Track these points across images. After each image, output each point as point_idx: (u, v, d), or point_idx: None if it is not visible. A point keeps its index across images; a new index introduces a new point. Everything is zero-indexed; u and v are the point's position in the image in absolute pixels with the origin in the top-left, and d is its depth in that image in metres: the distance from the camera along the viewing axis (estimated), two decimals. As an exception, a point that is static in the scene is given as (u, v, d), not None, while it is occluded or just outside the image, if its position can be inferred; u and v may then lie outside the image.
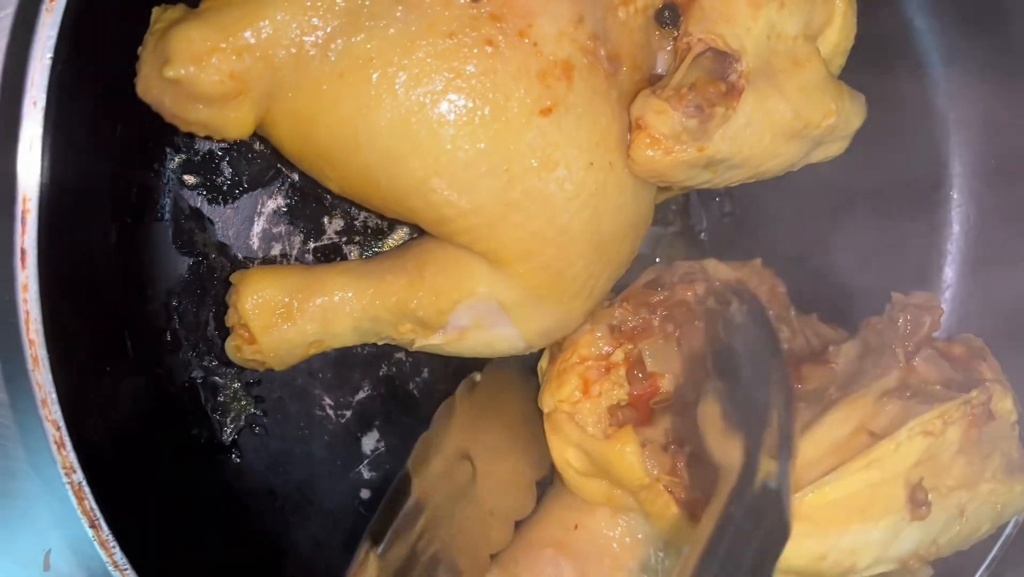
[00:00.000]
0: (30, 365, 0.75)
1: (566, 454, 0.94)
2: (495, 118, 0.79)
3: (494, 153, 0.80)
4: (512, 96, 0.79)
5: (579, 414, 0.91)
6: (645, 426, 0.91)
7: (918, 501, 0.88)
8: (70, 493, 0.76)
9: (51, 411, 0.75)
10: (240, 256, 0.96)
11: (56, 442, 0.75)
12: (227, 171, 0.95)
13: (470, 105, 0.79)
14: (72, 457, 0.76)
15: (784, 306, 1.04)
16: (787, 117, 0.87)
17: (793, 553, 0.87)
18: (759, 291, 1.03)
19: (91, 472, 0.77)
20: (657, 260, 1.11)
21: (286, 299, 0.89)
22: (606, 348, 0.94)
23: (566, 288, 0.88)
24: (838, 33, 0.92)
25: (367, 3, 0.77)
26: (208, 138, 0.82)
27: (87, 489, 0.76)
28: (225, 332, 0.92)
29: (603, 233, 0.87)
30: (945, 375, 0.96)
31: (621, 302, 0.95)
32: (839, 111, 0.90)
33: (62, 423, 0.75)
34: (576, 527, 0.97)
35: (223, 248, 0.96)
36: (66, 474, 0.76)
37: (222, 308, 0.94)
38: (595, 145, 0.83)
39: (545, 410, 0.94)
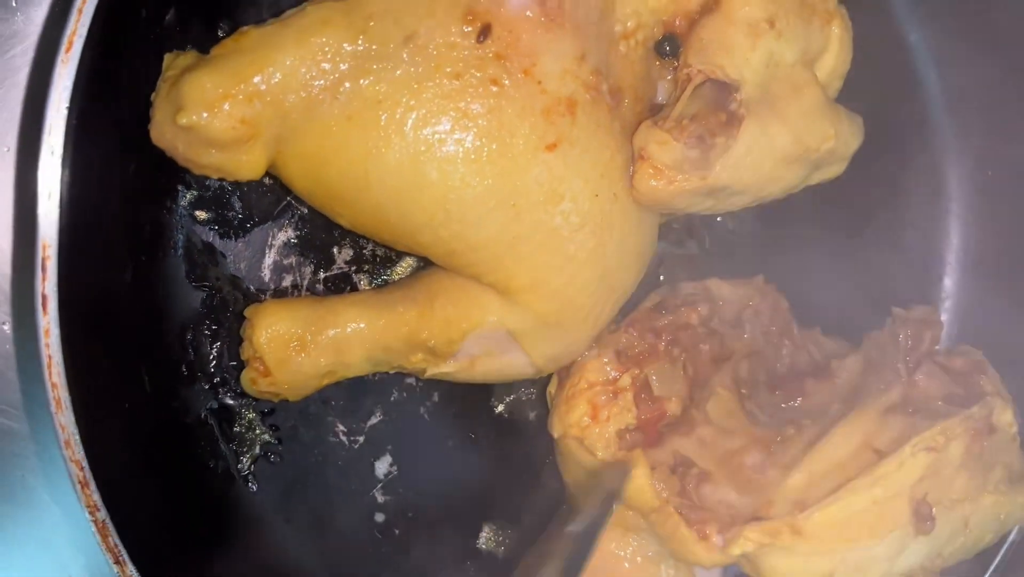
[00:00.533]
0: (53, 408, 0.76)
1: (577, 477, 0.96)
2: (502, 155, 0.81)
3: (501, 189, 0.82)
4: (518, 133, 0.81)
5: (588, 439, 0.93)
6: (654, 448, 0.93)
7: (923, 516, 0.89)
8: (94, 530, 0.78)
9: (74, 451, 0.77)
10: (252, 288, 0.98)
11: (80, 481, 0.77)
12: (238, 205, 0.97)
13: (477, 143, 0.81)
14: (96, 496, 0.78)
15: (787, 321, 1.06)
16: (787, 143, 0.89)
17: (802, 570, 0.89)
18: (762, 308, 1.05)
19: (113, 508, 0.79)
20: (661, 278, 1.12)
21: (300, 332, 0.90)
22: (613, 373, 0.95)
23: (574, 315, 0.90)
24: (835, 58, 0.94)
25: (374, 47, 0.79)
26: (221, 179, 0.84)
27: (111, 526, 0.78)
28: (239, 363, 0.94)
29: (609, 261, 0.89)
30: (946, 389, 0.98)
31: (627, 327, 0.97)
32: (838, 135, 0.92)
33: (85, 463, 0.77)
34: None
35: (235, 281, 0.98)
36: (90, 512, 0.78)
37: (236, 340, 0.96)
38: (599, 177, 0.85)
39: (555, 435, 0.95)
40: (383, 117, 0.80)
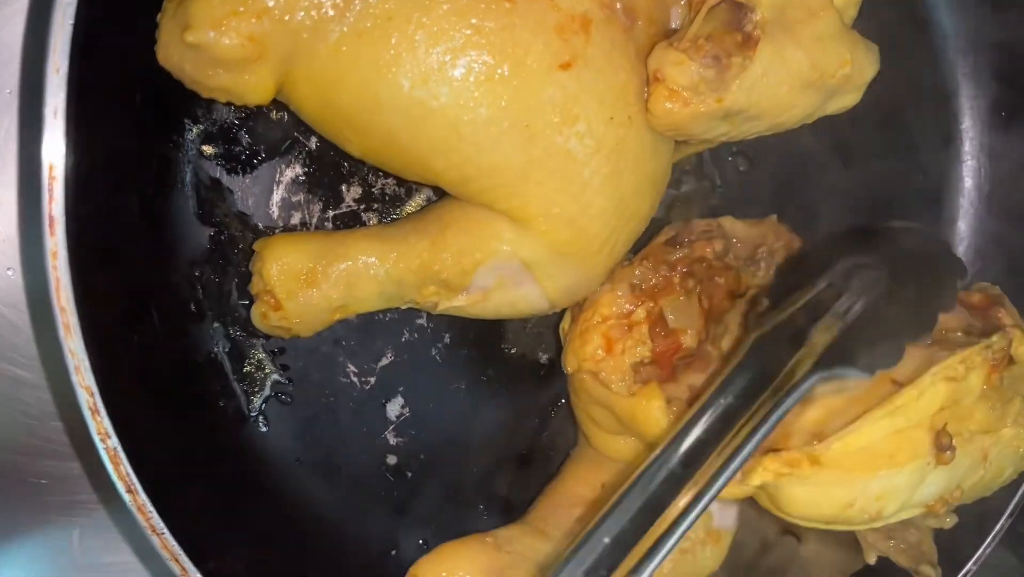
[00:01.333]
0: (62, 332, 0.75)
1: (591, 412, 0.94)
2: (515, 74, 0.80)
3: (515, 109, 0.80)
4: (531, 51, 0.80)
5: (603, 372, 0.92)
6: (669, 383, 0.92)
7: (943, 446, 0.88)
8: (105, 458, 0.77)
9: (84, 377, 0.75)
10: (260, 225, 0.97)
11: (90, 408, 0.76)
12: (245, 140, 0.96)
13: (490, 62, 0.79)
14: (107, 422, 0.76)
15: None
16: (803, 67, 0.87)
17: (821, 501, 0.88)
18: (776, 247, 1.04)
19: (124, 437, 0.77)
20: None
21: (310, 265, 0.89)
22: (627, 306, 0.94)
23: (588, 244, 0.88)
24: (851, -19, 0.92)
25: (385, -38, 0.78)
26: (229, 104, 0.82)
27: (122, 454, 0.77)
28: (248, 302, 0.93)
29: (624, 188, 0.87)
30: (965, 322, 0.97)
31: (641, 260, 0.96)
32: (854, 60, 0.91)
33: (95, 389, 0.76)
34: (602, 485, 0.98)
35: (243, 218, 0.96)
36: (101, 439, 0.76)
37: (244, 278, 0.95)
38: (614, 99, 0.84)
39: (568, 370, 0.94)
40: (394, 35, 0.78)
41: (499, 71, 0.79)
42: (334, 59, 0.79)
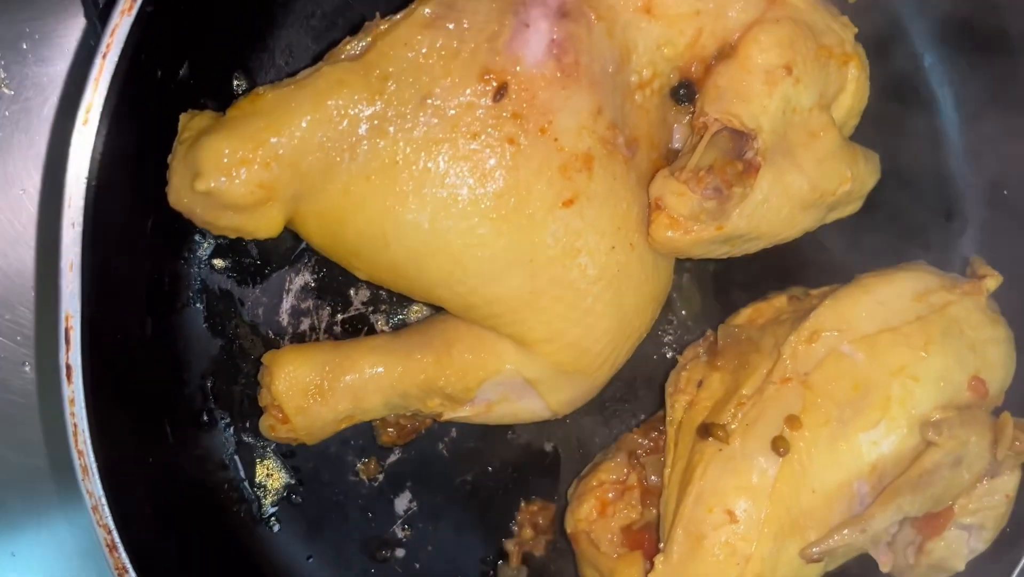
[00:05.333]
0: (79, 474, 0.77)
1: (586, 574, 0.97)
2: (519, 212, 0.81)
3: (519, 246, 0.82)
4: (534, 191, 0.81)
5: (595, 532, 0.94)
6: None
7: None
8: (123, 591, 0.79)
9: (102, 515, 0.78)
10: (271, 333, 0.99)
11: (108, 545, 0.78)
12: (254, 252, 0.97)
13: (494, 202, 0.81)
14: (124, 558, 0.79)
15: None
16: (804, 190, 0.89)
17: None
18: None
19: (142, 569, 0.80)
20: (676, 301, 1.11)
21: (317, 379, 0.91)
22: (624, 472, 0.97)
23: (591, 362, 0.90)
24: (852, 98, 0.93)
25: (392, 108, 0.79)
26: (239, 239, 0.84)
27: (140, 587, 0.79)
28: (259, 408, 0.95)
29: (626, 308, 0.89)
30: None
31: (643, 431, 0.98)
32: (854, 177, 0.92)
33: (112, 527, 0.78)
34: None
35: (254, 327, 0.98)
36: (118, 575, 0.79)
37: (254, 384, 0.97)
38: (616, 229, 0.85)
39: (568, 531, 0.97)
40: (401, 177, 0.80)
41: (504, 210, 0.81)
42: (342, 199, 0.81)
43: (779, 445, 0.84)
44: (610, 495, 0.95)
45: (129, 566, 0.79)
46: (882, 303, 0.90)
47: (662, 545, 0.87)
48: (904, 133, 1.10)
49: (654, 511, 0.92)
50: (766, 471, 0.85)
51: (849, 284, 0.93)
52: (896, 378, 0.87)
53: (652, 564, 0.87)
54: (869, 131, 0.98)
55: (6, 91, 1.03)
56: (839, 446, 0.85)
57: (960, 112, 1.14)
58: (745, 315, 0.96)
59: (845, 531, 0.84)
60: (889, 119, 1.06)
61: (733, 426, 0.86)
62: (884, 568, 0.87)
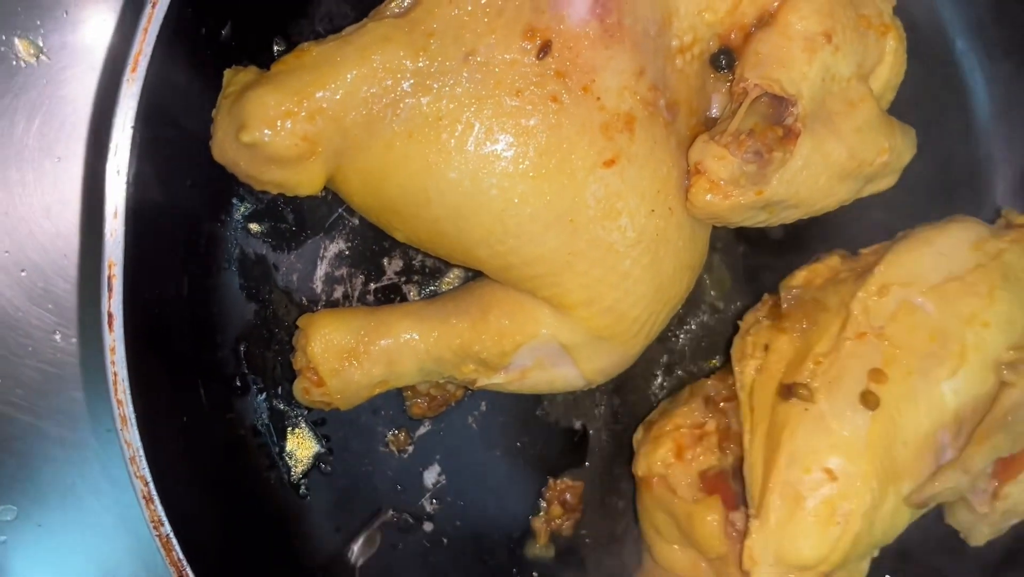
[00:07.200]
0: (119, 424, 0.77)
1: (655, 520, 0.96)
2: (560, 171, 0.81)
3: (559, 205, 0.82)
4: (576, 149, 0.81)
5: (671, 476, 0.93)
6: (732, 511, 0.93)
7: None
8: (158, 545, 0.79)
9: (139, 467, 0.78)
10: (304, 300, 0.99)
11: (144, 497, 0.78)
12: (291, 217, 0.98)
13: (536, 160, 0.81)
14: (160, 511, 0.78)
15: None
16: (842, 158, 0.89)
17: None
18: None
19: (176, 522, 0.79)
20: (706, 280, 1.11)
21: (353, 342, 0.91)
22: (700, 418, 0.96)
23: (627, 328, 0.90)
24: (889, 70, 0.93)
25: (435, 64, 0.79)
26: (281, 194, 0.84)
27: (175, 540, 0.79)
28: (291, 374, 0.95)
29: (663, 275, 0.89)
30: None
31: (717, 378, 0.98)
32: (892, 148, 0.92)
33: (150, 478, 0.78)
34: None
35: (288, 293, 0.98)
36: (154, 527, 0.79)
37: (287, 351, 0.97)
38: (656, 192, 0.85)
39: (639, 474, 0.96)
40: (444, 134, 0.80)
41: (545, 168, 0.81)
42: (385, 156, 0.81)
43: (868, 399, 0.84)
44: (688, 439, 0.93)
45: (165, 519, 0.79)
46: (943, 254, 0.90)
47: (752, 511, 0.86)
48: (936, 119, 1.10)
49: (731, 458, 0.91)
50: (859, 426, 0.84)
51: (906, 238, 0.93)
52: (969, 326, 0.87)
53: (733, 520, 0.87)
54: (901, 115, 0.98)
55: (43, 59, 1.03)
56: (924, 396, 0.86)
57: (992, 97, 1.14)
58: (801, 277, 0.95)
59: (949, 472, 0.84)
60: (921, 103, 1.06)
61: (815, 385, 0.85)
62: (981, 509, 0.87)
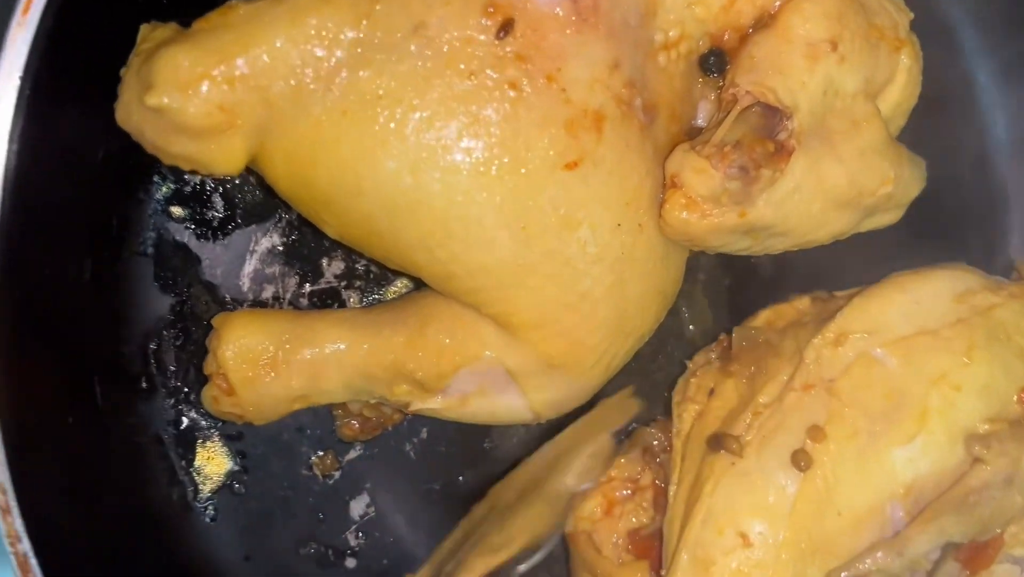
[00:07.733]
0: (-26, 418, 0.67)
1: None
2: (514, 170, 0.71)
3: (510, 209, 0.72)
4: (535, 146, 0.71)
5: (597, 534, 0.84)
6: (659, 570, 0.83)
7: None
8: (14, 564, 0.68)
9: (-3, 472, 0.67)
10: (228, 297, 0.89)
11: (1, 508, 0.67)
12: (219, 204, 0.88)
13: (487, 154, 0.71)
14: (19, 524, 0.68)
15: None
16: (841, 183, 0.79)
17: None
18: None
19: (40, 540, 0.69)
20: (685, 314, 1.01)
21: (272, 348, 0.81)
22: (638, 470, 0.86)
23: (584, 357, 0.79)
24: (901, 91, 0.84)
25: (378, 35, 0.69)
26: (194, 172, 0.74)
27: (34, 561, 0.68)
28: (207, 379, 0.85)
29: (628, 299, 0.79)
30: None
31: (659, 426, 0.88)
32: (897, 179, 0.82)
33: (9, 486, 0.67)
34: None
35: (210, 288, 0.89)
36: (10, 543, 0.68)
37: (204, 352, 0.86)
38: (624, 204, 0.75)
39: (566, 529, 0.86)
40: (382, 116, 0.70)
41: (497, 165, 0.71)
42: (314, 135, 0.71)
43: (800, 459, 0.75)
44: (619, 493, 0.84)
45: (23, 533, 0.68)
46: (918, 303, 0.80)
47: (664, 571, 0.77)
48: (948, 132, 1.02)
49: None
50: (785, 489, 0.75)
51: (880, 282, 0.83)
52: (935, 387, 0.77)
53: None
54: (909, 125, 0.88)
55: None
56: (869, 462, 0.75)
57: (1006, 111, 1.05)
58: (763, 317, 0.86)
59: (879, 553, 0.74)
60: (932, 116, 0.96)
61: (748, 437, 0.76)
62: None
